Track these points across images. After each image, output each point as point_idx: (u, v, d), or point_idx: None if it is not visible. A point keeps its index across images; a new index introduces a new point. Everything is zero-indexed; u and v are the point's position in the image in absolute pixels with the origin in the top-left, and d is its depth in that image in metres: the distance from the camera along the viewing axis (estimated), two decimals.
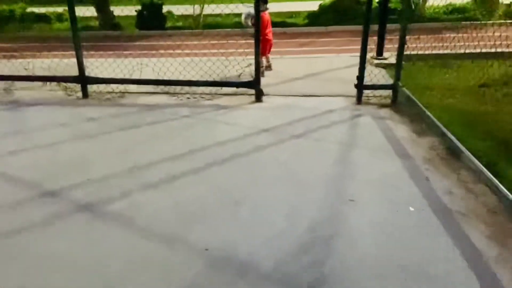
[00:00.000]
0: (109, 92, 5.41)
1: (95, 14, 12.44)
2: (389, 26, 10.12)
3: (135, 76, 5.52)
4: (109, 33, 11.20)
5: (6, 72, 5.75)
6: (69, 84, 5.30)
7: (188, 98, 5.31)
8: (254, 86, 5.13)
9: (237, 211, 2.85)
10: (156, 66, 5.55)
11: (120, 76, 5.45)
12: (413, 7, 12.88)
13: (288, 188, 3.13)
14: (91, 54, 6.36)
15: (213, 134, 4.17)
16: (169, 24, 12.32)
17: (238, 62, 5.51)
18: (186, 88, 5.39)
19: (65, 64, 5.65)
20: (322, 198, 3.00)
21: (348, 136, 4.20)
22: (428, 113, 4.23)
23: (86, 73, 5.33)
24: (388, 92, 5.12)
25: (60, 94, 5.37)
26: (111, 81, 5.20)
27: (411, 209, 2.85)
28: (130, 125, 4.40)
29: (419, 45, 5.19)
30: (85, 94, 5.22)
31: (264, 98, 5.18)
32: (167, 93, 5.43)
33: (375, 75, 5.36)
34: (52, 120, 4.55)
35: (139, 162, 3.55)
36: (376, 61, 6.83)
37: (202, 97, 5.33)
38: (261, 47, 5.05)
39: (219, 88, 5.34)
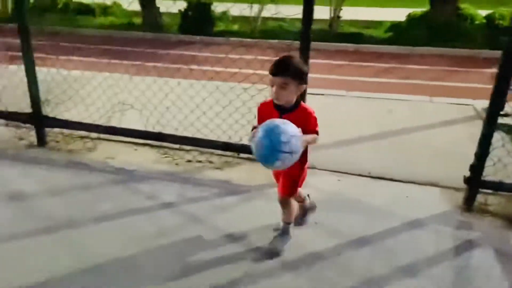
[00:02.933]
0: (81, 138, 3.69)
1: None
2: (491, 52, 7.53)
3: (117, 119, 3.75)
4: (140, 35, 9.62)
5: None
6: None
7: (189, 161, 3.45)
8: None
9: None
10: (165, 87, 3.86)
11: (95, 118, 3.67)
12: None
13: None
14: (104, 63, 4.98)
15: None
16: (221, 27, 10.52)
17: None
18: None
19: (63, 79, 4.04)
20: None
21: None
22: None
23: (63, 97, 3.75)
24: None
25: (11, 135, 3.74)
26: (76, 126, 3.46)
27: None
28: (68, 219, 2.61)
29: None
30: (41, 141, 3.53)
31: None
32: (160, 147, 3.61)
33: (493, 145, 2.75)
34: None
35: None
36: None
37: (210, 162, 3.43)
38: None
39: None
